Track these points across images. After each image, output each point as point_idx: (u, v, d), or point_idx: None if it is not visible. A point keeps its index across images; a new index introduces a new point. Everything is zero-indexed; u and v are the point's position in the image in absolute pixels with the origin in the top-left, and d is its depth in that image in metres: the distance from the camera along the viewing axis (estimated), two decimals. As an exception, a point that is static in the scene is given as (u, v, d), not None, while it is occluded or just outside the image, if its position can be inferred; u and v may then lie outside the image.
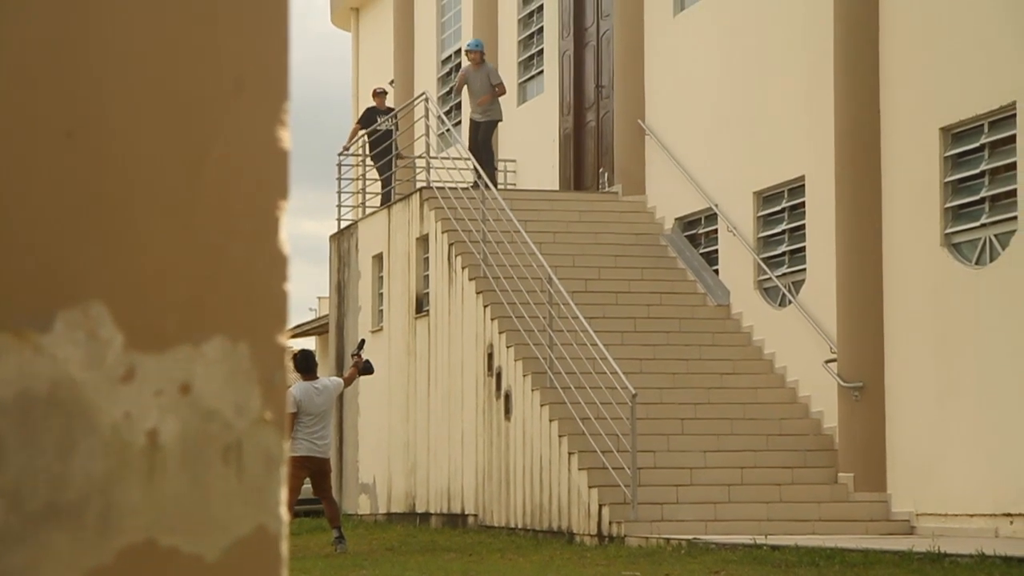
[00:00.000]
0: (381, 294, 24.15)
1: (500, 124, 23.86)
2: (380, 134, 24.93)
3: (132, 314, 1.81)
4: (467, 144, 23.00)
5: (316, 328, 41.17)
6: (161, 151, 1.82)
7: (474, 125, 23.09)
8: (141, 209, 1.81)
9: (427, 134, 23.01)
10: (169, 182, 1.83)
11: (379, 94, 26.02)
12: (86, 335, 1.79)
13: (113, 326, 1.80)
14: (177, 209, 1.83)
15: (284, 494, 1.90)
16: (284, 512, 1.90)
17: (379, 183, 25.25)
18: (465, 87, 23.54)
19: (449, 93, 29.09)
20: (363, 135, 25.23)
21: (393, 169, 24.95)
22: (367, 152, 25.52)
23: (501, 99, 23.50)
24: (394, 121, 25.23)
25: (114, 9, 1.81)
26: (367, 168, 25.59)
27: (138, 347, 1.81)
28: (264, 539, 1.86)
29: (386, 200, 24.68)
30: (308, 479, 16.48)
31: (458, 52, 28.61)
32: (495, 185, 21.35)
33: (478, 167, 21.09)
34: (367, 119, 25.58)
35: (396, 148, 25.17)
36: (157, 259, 1.82)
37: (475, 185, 21.30)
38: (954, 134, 16.02)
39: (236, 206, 1.85)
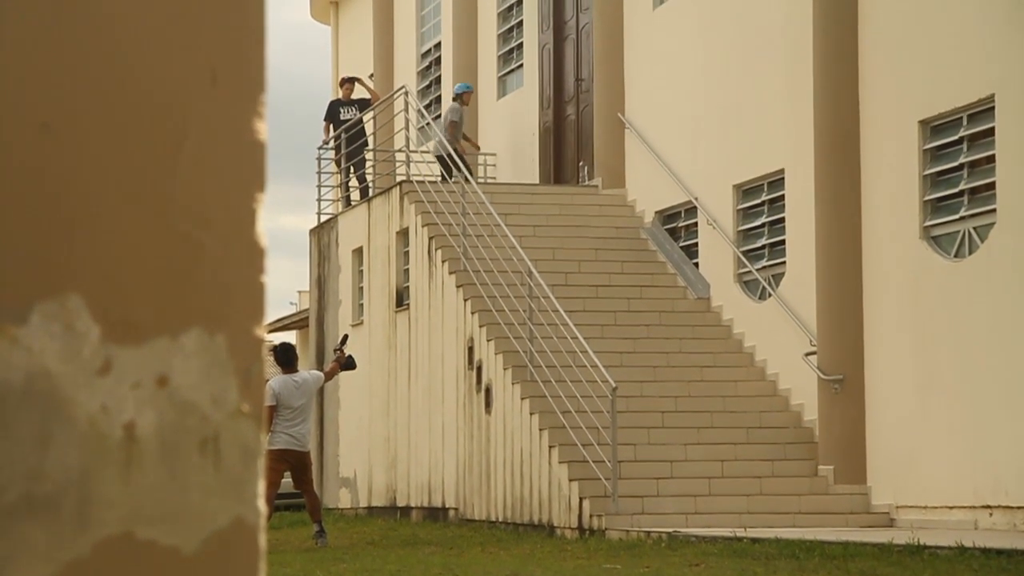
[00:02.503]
0: (361, 288, 24.14)
1: (480, 120, 24.15)
2: (347, 127, 24.82)
3: (109, 306, 1.80)
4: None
5: (296, 322, 41.15)
6: (137, 143, 1.82)
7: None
8: (117, 201, 1.81)
9: (407, 128, 22.99)
10: (145, 174, 1.82)
11: (347, 82, 25.79)
12: (63, 327, 1.78)
13: (90, 318, 1.79)
14: (154, 201, 1.83)
15: (262, 486, 1.90)
16: (262, 504, 1.90)
17: (356, 178, 25.19)
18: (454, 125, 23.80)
19: (429, 87, 29.09)
20: (339, 132, 25.14)
21: (365, 168, 24.86)
22: (334, 147, 25.36)
23: (478, 97, 23.55)
24: (359, 112, 25.09)
25: (90, 1, 1.80)
26: (341, 162, 25.48)
27: (115, 339, 1.81)
28: (242, 531, 1.86)
29: (363, 195, 24.67)
30: (288, 473, 16.47)
31: (438, 46, 28.60)
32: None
33: (458, 161, 21.08)
34: (331, 113, 25.50)
35: (365, 138, 25.03)
36: (134, 251, 1.82)
37: (443, 178, 21.36)
38: (933, 127, 16.05)
39: (213, 198, 1.85)
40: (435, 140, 22.87)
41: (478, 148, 25.01)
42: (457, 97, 23.78)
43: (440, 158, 22.40)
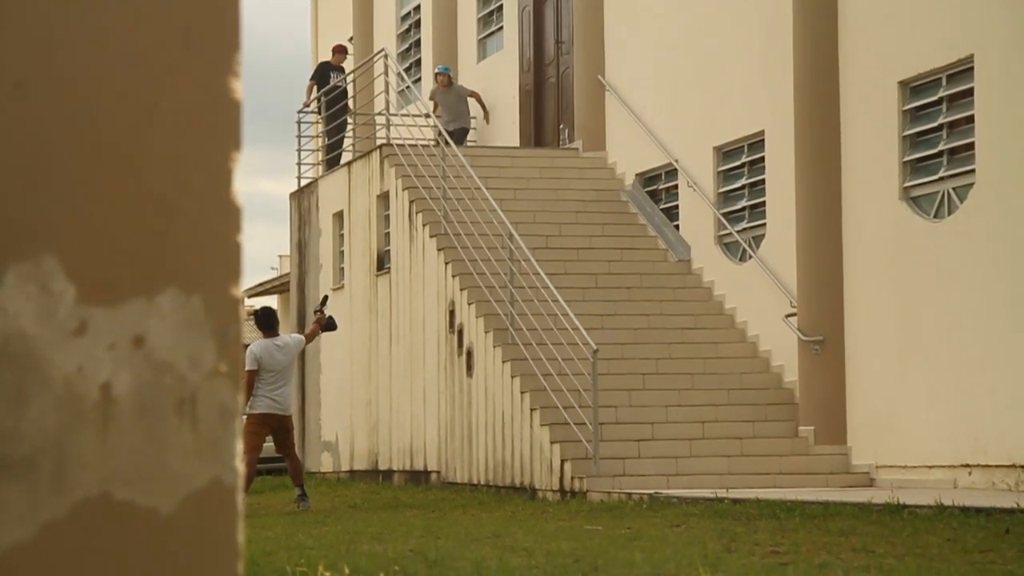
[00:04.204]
0: (342, 252, 24.11)
1: (460, 83, 24.11)
2: (332, 93, 24.89)
3: (84, 267, 1.80)
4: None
5: (278, 286, 41.11)
6: (111, 103, 1.81)
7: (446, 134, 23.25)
8: (92, 161, 1.80)
9: (387, 91, 22.95)
10: (120, 134, 1.81)
11: (339, 51, 25.94)
12: (38, 288, 1.78)
13: (65, 279, 1.79)
14: (128, 161, 1.82)
15: (239, 447, 1.90)
16: (239, 465, 1.89)
17: (340, 140, 25.20)
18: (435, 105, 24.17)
19: (409, 50, 29.01)
20: (320, 94, 25.17)
21: (342, 133, 24.93)
22: (319, 111, 25.48)
23: (457, 61, 23.61)
24: (346, 79, 25.17)
25: (61, -41, 1.79)
26: (321, 125, 25.56)
27: (90, 300, 1.80)
28: (219, 491, 1.86)
29: (336, 162, 24.69)
30: (270, 436, 16.47)
31: (417, 8, 28.51)
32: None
33: (444, 132, 21.16)
34: (320, 75, 25.54)
35: (349, 109, 25.11)
36: (109, 212, 1.81)
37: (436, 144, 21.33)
38: (912, 87, 16.05)
39: (188, 158, 1.84)
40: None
41: (487, 120, 25.12)
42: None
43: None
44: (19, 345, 1.77)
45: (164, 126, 1.84)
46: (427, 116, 22.64)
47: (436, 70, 24.76)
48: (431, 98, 24.51)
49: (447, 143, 20.50)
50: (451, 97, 24.26)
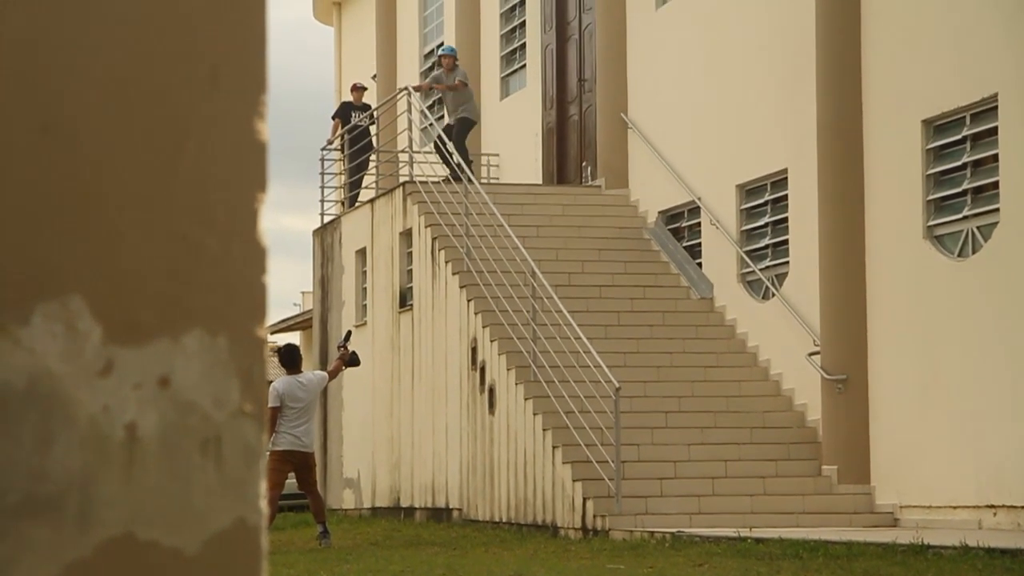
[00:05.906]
0: (365, 289, 24.14)
1: (481, 121, 23.93)
2: (353, 131, 24.98)
3: (110, 307, 1.80)
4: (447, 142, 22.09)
5: (300, 323, 41.16)
6: (137, 144, 1.81)
7: (447, 127, 23.04)
8: (118, 202, 1.81)
9: (410, 128, 23.00)
10: (146, 175, 1.82)
11: (357, 89, 26.01)
12: (64, 328, 1.78)
13: (91, 319, 1.79)
14: (154, 202, 1.83)
15: (264, 487, 1.90)
16: (264, 505, 1.89)
17: (360, 179, 25.28)
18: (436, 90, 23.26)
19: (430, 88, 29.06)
20: (343, 132, 25.28)
21: (365, 171, 24.97)
22: (343, 149, 25.58)
23: (481, 98, 23.50)
24: (368, 118, 25.24)
25: (88, 1, 1.80)
26: (346, 163, 25.63)
27: (116, 340, 1.80)
28: (244, 532, 1.85)
29: (355, 200, 24.73)
30: (292, 473, 16.47)
31: (441, 46, 28.60)
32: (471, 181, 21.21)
33: (451, 163, 21.07)
34: (343, 113, 25.62)
35: (372, 146, 25.18)
36: (135, 252, 1.81)
37: (447, 180, 21.18)
38: (936, 126, 16.04)
39: (213, 199, 1.85)
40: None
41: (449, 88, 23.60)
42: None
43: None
44: (45, 384, 1.77)
45: (190, 166, 1.84)
46: (451, 154, 22.65)
47: (440, 51, 23.32)
48: (433, 85, 22.98)
49: (470, 180, 20.51)
50: (451, 80, 22.64)
